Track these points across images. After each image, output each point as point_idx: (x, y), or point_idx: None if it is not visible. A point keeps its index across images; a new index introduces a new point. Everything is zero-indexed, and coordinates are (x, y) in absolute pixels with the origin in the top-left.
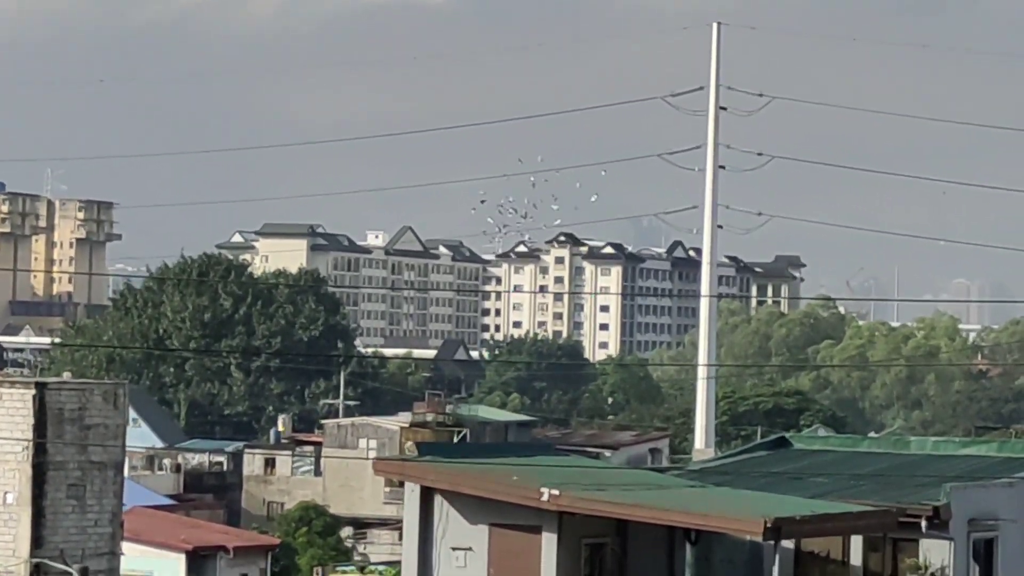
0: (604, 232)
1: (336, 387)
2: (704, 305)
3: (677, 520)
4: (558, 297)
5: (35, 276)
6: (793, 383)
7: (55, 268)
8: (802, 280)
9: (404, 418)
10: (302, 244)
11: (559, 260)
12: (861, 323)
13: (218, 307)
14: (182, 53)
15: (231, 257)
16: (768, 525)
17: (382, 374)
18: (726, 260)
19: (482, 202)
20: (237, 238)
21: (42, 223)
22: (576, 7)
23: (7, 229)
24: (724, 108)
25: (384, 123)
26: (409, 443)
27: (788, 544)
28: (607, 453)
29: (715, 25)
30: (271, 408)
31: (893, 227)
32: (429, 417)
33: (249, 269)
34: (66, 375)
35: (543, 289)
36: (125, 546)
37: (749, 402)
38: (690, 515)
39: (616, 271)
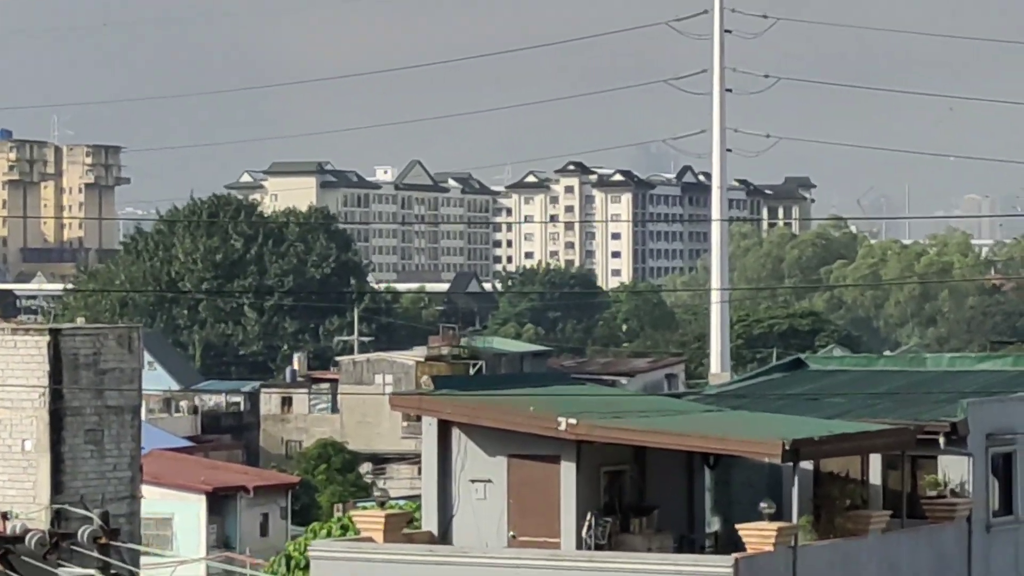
0: (613, 159)
1: (350, 324)
2: (715, 229)
3: (695, 445)
4: (569, 226)
5: (45, 223)
6: (807, 304)
7: (65, 214)
8: (813, 201)
9: (419, 352)
10: (311, 182)
11: (569, 189)
12: (873, 242)
13: (229, 248)
14: None
15: (241, 197)
16: (786, 447)
17: (395, 309)
18: (736, 183)
19: None
20: (246, 178)
21: (50, 169)
22: None
23: (15, 176)
24: (729, 31)
25: (387, 58)
26: (425, 377)
27: (807, 465)
28: (623, 380)
29: None
30: (286, 347)
31: (902, 145)
32: (444, 350)
33: (259, 208)
34: (80, 320)
35: (554, 219)
36: (145, 489)
37: (764, 325)
38: (708, 439)
39: (626, 198)
